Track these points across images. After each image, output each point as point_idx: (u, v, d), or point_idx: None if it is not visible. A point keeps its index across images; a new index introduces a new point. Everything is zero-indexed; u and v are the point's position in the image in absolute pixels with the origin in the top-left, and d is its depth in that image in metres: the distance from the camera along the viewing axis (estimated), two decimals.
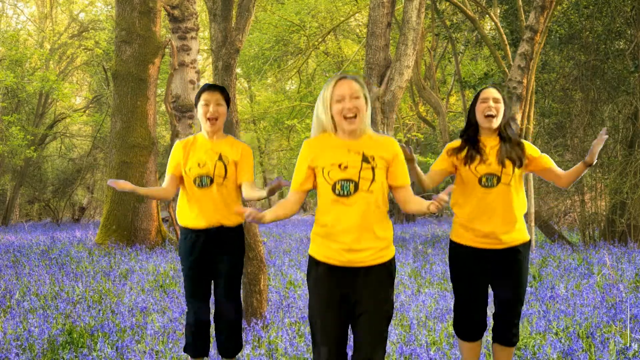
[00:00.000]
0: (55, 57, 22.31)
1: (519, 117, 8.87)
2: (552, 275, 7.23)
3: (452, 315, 5.13)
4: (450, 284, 6.70)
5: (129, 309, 5.71)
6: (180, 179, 3.47)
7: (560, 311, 5.17)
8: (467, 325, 3.32)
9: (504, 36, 10.20)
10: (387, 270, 2.71)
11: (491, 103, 3.23)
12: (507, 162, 3.20)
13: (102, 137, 22.00)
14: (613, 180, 10.62)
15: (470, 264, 3.25)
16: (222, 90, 3.46)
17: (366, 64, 4.95)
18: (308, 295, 2.83)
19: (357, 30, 19.87)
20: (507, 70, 9.86)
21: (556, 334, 4.62)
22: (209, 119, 3.37)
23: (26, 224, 21.90)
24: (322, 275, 2.69)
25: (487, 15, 11.50)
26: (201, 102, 3.39)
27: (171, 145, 14.11)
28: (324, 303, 2.69)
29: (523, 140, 3.33)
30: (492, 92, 3.27)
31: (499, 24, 10.41)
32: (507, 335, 3.30)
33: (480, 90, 3.33)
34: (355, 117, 2.66)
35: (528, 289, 6.18)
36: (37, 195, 24.04)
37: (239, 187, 3.48)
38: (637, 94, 10.78)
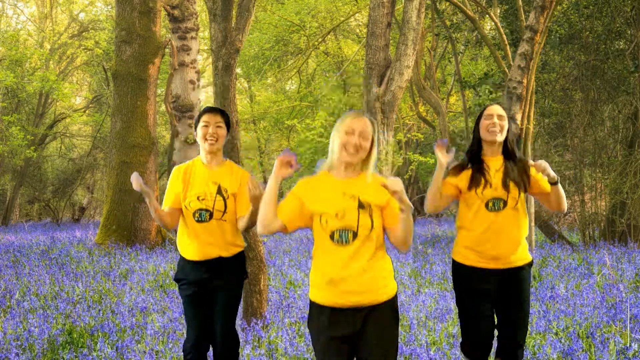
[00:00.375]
0: (55, 57, 22.31)
1: (519, 117, 8.86)
2: (552, 275, 7.24)
3: (452, 315, 5.14)
4: (450, 284, 6.70)
5: (129, 309, 5.71)
6: (180, 210, 3.40)
7: (560, 311, 5.17)
8: (474, 345, 3.29)
9: (504, 36, 10.20)
10: (391, 307, 2.69)
11: (495, 120, 3.24)
12: (512, 186, 3.21)
13: (102, 137, 22.00)
14: (613, 180, 10.62)
15: (476, 284, 3.23)
16: (222, 113, 3.41)
17: (366, 64, 4.95)
18: (311, 340, 2.78)
19: (357, 30, 19.87)
20: (507, 70, 9.86)
21: (556, 334, 4.62)
22: (207, 139, 3.32)
23: (26, 224, 21.90)
24: (326, 320, 2.66)
25: (487, 15, 11.50)
26: (201, 124, 3.33)
27: (171, 145, 14.10)
28: (329, 348, 2.66)
29: (526, 160, 3.32)
30: (496, 110, 3.28)
31: (499, 24, 10.41)
32: (511, 354, 3.27)
33: (485, 107, 3.34)
34: (356, 152, 2.67)
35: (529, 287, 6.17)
36: (37, 195, 24.04)
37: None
38: (637, 94, 10.78)
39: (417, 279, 7.40)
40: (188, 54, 13.47)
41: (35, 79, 18.32)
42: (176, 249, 11.24)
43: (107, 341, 4.54)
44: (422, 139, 20.38)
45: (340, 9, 16.75)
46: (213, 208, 3.29)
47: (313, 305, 2.73)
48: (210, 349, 3.45)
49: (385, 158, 7.11)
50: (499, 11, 11.68)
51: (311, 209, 2.70)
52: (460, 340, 3.40)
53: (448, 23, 12.78)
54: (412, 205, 2.63)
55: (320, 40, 16.34)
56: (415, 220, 22.70)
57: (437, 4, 12.48)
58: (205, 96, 30.87)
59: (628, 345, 4.17)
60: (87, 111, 24.12)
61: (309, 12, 16.15)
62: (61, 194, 24.00)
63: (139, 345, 4.49)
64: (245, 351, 4.15)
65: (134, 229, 11.51)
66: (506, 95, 9.05)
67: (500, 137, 3.24)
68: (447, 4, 12.39)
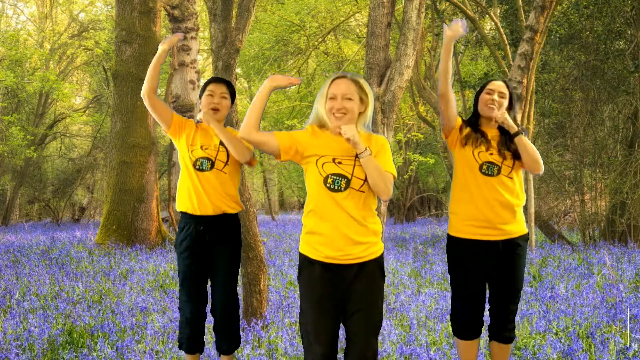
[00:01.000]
0: (55, 57, 22.31)
1: (519, 117, 8.87)
2: (552, 275, 7.24)
3: None
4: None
5: (129, 309, 5.72)
6: (168, 113, 3.51)
7: (560, 311, 5.17)
8: (465, 323, 3.30)
9: (504, 36, 10.20)
10: (378, 265, 2.75)
11: (495, 97, 3.24)
12: (507, 154, 3.21)
13: (102, 137, 22.00)
14: (613, 180, 10.63)
15: (470, 257, 3.23)
16: (228, 84, 3.49)
17: (366, 64, 4.95)
18: (299, 295, 2.83)
19: (357, 30, 19.87)
20: (507, 70, 9.86)
21: (556, 334, 4.62)
22: (212, 108, 3.38)
23: (26, 224, 21.90)
24: (317, 275, 2.70)
25: (487, 15, 11.51)
26: (206, 93, 3.44)
27: (171, 145, 14.08)
28: (318, 303, 2.70)
29: (527, 127, 3.36)
30: (499, 86, 3.28)
31: (499, 24, 10.41)
32: (504, 332, 3.30)
33: (489, 81, 3.33)
34: (343, 116, 2.71)
35: (528, 289, 6.18)
36: (37, 195, 24.04)
37: (239, 174, 3.51)
38: (637, 94, 10.78)
39: (417, 279, 7.40)
40: (188, 54, 13.48)
41: (35, 79, 18.32)
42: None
43: (107, 341, 4.54)
44: (422, 139, 20.37)
45: (340, 9, 16.75)
46: (215, 158, 3.36)
47: (304, 259, 2.76)
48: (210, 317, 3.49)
49: None
50: (499, 11, 11.68)
51: (308, 153, 2.75)
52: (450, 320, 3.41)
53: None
54: (368, 149, 2.65)
55: (320, 40, 16.33)
56: (415, 220, 22.70)
57: (437, 4, 12.48)
58: None
59: (628, 345, 4.17)
60: (87, 111, 24.12)
61: (309, 12, 16.15)
62: (61, 194, 23.99)
63: (139, 345, 4.49)
64: (245, 351, 4.15)
65: (134, 229, 11.51)
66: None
67: (496, 114, 3.25)
68: (447, 4, 12.39)
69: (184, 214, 3.43)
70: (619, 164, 10.83)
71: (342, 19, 16.35)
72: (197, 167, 3.35)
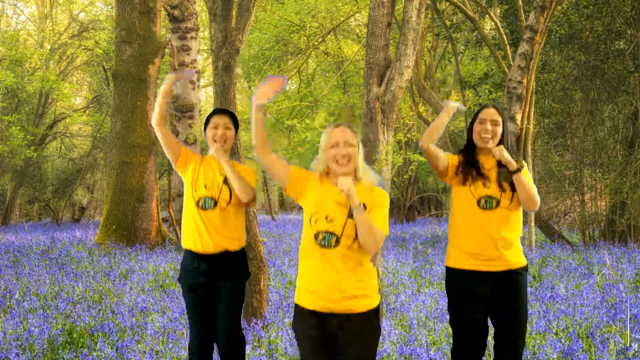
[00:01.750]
0: (55, 57, 22.30)
1: (519, 117, 8.86)
2: (552, 275, 7.23)
3: None
4: None
5: (129, 309, 5.71)
6: (175, 143, 3.49)
7: (560, 311, 5.17)
8: (466, 353, 3.18)
9: (504, 36, 10.19)
10: (369, 318, 2.73)
11: (488, 126, 3.18)
12: (506, 186, 3.17)
13: (102, 137, 21.99)
14: (613, 180, 10.62)
15: (470, 287, 3.14)
16: (231, 115, 3.48)
17: (366, 64, 4.94)
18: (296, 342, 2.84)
19: (357, 30, 19.86)
20: (507, 70, 9.86)
21: (556, 334, 4.62)
22: (216, 141, 3.38)
23: (26, 224, 21.90)
24: (310, 323, 2.73)
25: (487, 15, 11.50)
26: (210, 125, 3.42)
27: None
28: (311, 345, 2.73)
29: (523, 163, 3.27)
30: (491, 114, 3.21)
31: (499, 24, 10.40)
32: None
33: (481, 109, 3.27)
34: (348, 162, 2.76)
35: (528, 289, 6.18)
36: (37, 195, 24.03)
37: (243, 210, 3.49)
38: (637, 94, 10.78)
39: (417, 279, 7.40)
40: (188, 54, 13.47)
41: (35, 79, 18.31)
42: (176, 249, 11.25)
43: (107, 341, 4.54)
44: None
45: (340, 9, 16.74)
46: (219, 197, 3.36)
47: (297, 307, 2.81)
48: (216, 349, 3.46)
49: (385, 158, 7.10)
50: (499, 11, 11.68)
51: (306, 200, 2.82)
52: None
53: (448, 23, 12.78)
54: (362, 205, 2.66)
55: (320, 40, 16.33)
56: (415, 220, 22.70)
57: (437, 4, 12.48)
58: (205, 96, 30.88)
59: (628, 345, 4.17)
60: (87, 111, 24.11)
61: (309, 12, 16.14)
62: (61, 194, 23.99)
63: (139, 345, 4.49)
64: (245, 351, 4.14)
65: (134, 229, 11.51)
66: (506, 95, 9.05)
67: (492, 144, 3.20)
68: (447, 4, 12.39)
69: (187, 250, 3.44)
70: (619, 164, 10.83)
71: (342, 19, 16.34)
72: (201, 205, 3.35)
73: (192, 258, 3.38)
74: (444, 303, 5.62)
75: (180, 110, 13.24)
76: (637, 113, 11.10)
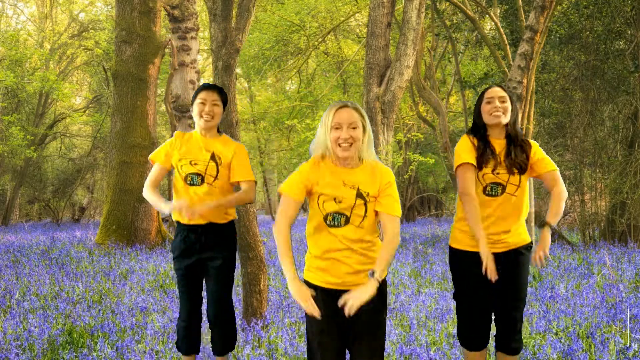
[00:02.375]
0: (55, 57, 22.30)
1: (519, 117, 8.85)
2: (552, 275, 7.23)
3: (452, 316, 5.14)
4: (450, 284, 6.70)
5: (129, 309, 5.71)
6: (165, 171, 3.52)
7: (560, 311, 5.17)
8: (473, 334, 3.27)
9: (504, 36, 10.19)
10: (378, 293, 2.72)
11: (497, 103, 3.21)
12: (515, 171, 3.19)
13: (102, 137, 22.00)
14: (613, 180, 10.63)
15: (474, 269, 3.19)
16: (220, 90, 3.48)
17: (366, 64, 4.95)
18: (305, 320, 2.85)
19: (357, 30, 19.86)
20: (507, 70, 9.86)
21: (556, 334, 4.62)
22: (203, 117, 3.39)
23: (26, 224, 21.90)
24: (319, 300, 2.72)
25: (487, 15, 11.50)
26: (198, 101, 3.42)
27: None
28: (323, 328, 2.73)
29: (532, 142, 3.27)
30: (497, 92, 3.24)
31: (499, 24, 10.40)
32: (510, 342, 3.26)
33: (485, 90, 3.29)
34: (350, 146, 2.72)
35: (528, 289, 6.18)
36: (37, 195, 24.04)
37: (232, 187, 3.51)
38: (637, 94, 10.78)
39: (417, 279, 7.40)
40: (188, 54, 13.47)
41: (35, 79, 18.31)
42: None
43: (107, 341, 4.54)
44: (422, 139, 20.37)
45: (340, 9, 16.74)
46: (205, 172, 3.40)
47: (306, 282, 2.81)
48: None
49: (385, 158, 7.11)
50: (499, 11, 11.68)
51: (314, 190, 2.77)
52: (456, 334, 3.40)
53: (448, 23, 12.78)
54: (372, 280, 2.63)
55: (320, 40, 16.33)
56: (415, 220, 22.69)
57: (437, 4, 12.48)
58: None
59: (628, 345, 4.17)
60: (87, 111, 24.12)
61: (309, 12, 16.14)
62: (61, 194, 24.00)
63: (139, 345, 4.49)
64: (245, 351, 4.15)
65: (134, 229, 11.51)
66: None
67: (505, 119, 3.23)
68: (447, 4, 12.39)
69: (177, 222, 3.51)
70: (619, 164, 10.83)
71: (342, 19, 16.34)
72: (188, 182, 3.40)
73: (181, 228, 3.46)
74: (444, 303, 5.63)
75: (180, 110, 13.24)
76: (637, 113, 11.10)
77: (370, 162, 2.80)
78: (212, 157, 3.41)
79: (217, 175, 3.40)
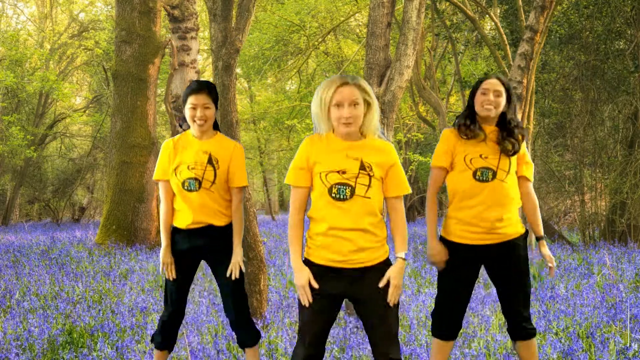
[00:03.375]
0: (55, 57, 22.30)
1: (519, 117, 8.86)
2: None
3: None
4: None
5: (129, 309, 5.71)
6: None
7: (560, 311, 5.17)
8: (447, 323, 3.31)
9: (504, 36, 10.19)
10: (384, 270, 2.75)
11: (491, 96, 3.19)
12: (503, 157, 3.18)
13: (102, 137, 21.99)
14: (613, 180, 10.63)
15: (463, 262, 3.23)
16: (209, 90, 3.38)
17: (366, 64, 4.95)
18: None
19: (357, 30, 19.86)
20: (507, 70, 9.86)
21: (556, 334, 4.62)
22: (196, 122, 3.34)
23: (26, 224, 21.90)
24: (316, 273, 2.73)
25: (487, 15, 11.50)
26: (188, 105, 3.35)
27: None
28: (314, 301, 2.73)
29: (521, 128, 3.27)
30: (494, 84, 3.20)
31: (499, 24, 10.41)
32: (522, 330, 3.27)
33: (484, 79, 3.26)
34: (351, 124, 2.69)
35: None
36: (37, 195, 24.04)
37: (229, 188, 3.46)
38: (637, 94, 10.78)
39: (417, 279, 7.40)
40: (188, 54, 13.46)
41: (35, 79, 18.31)
42: None
43: (107, 341, 4.54)
44: (422, 139, 20.37)
45: (340, 9, 16.74)
46: (202, 177, 3.33)
47: (308, 264, 2.80)
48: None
49: None
50: (499, 11, 11.68)
51: (315, 167, 2.74)
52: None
53: (448, 23, 12.78)
54: (398, 260, 2.75)
55: (320, 40, 16.33)
56: (415, 220, 22.69)
57: (437, 4, 12.48)
58: None
59: (628, 345, 4.17)
60: (87, 111, 24.11)
61: (309, 12, 16.14)
62: (61, 194, 23.99)
63: (139, 345, 4.49)
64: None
65: (134, 229, 11.51)
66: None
67: (494, 113, 3.21)
68: (447, 4, 12.39)
69: (175, 227, 3.46)
70: (619, 164, 10.83)
71: (342, 19, 16.34)
72: (186, 187, 3.34)
73: (177, 233, 3.43)
74: None
75: (180, 110, 13.22)
76: (637, 113, 11.10)
77: (371, 137, 2.77)
78: (209, 161, 3.35)
79: (214, 179, 3.34)
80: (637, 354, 4.01)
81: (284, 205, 38.87)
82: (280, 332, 4.57)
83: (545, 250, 3.30)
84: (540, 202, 12.41)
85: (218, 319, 5.23)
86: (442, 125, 11.12)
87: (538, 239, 3.33)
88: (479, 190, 3.16)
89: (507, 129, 3.22)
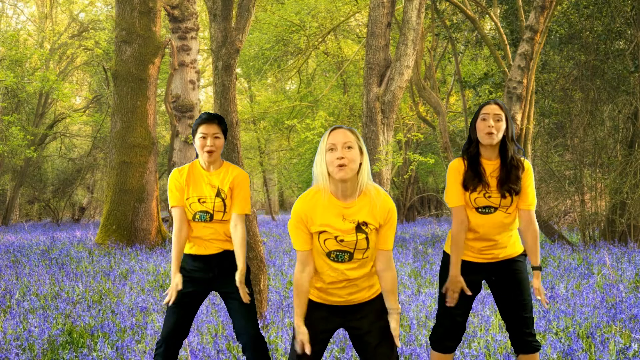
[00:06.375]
0: (55, 57, 22.30)
1: (519, 117, 8.86)
2: (552, 275, 7.23)
3: None
4: None
5: (129, 309, 5.71)
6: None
7: (560, 311, 5.17)
8: (447, 337, 3.32)
9: (504, 36, 10.19)
10: (380, 301, 2.85)
11: (491, 122, 3.18)
12: (507, 194, 3.20)
13: (102, 137, 22.00)
14: (613, 180, 10.62)
15: (464, 276, 3.26)
16: (219, 120, 3.41)
17: (366, 64, 4.95)
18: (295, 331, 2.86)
19: (357, 30, 19.86)
20: (507, 70, 9.87)
21: (556, 334, 4.62)
22: (205, 151, 3.36)
23: (26, 224, 21.90)
24: (322, 313, 2.82)
25: (487, 15, 11.50)
26: (198, 135, 3.36)
27: (171, 145, 14.07)
28: (318, 337, 2.80)
29: (526, 164, 3.25)
30: (493, 109, 3.20)
31: (499, 24, 10.41)
32: (525, 344, 3.29)
33: (482, 106, 3.26)
34: (346, 166, 2.63)
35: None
36: (37, 195, 24.04)
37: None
38: (637, 94, 10.78)
39: (417, 279, 7.40)
40: (188, 54, 13.48)
41: (35, 79, 18.30)
42: None
43: (107, 341, 4.54)
44: (422, 139, 20.37)
45: (340, 9, 16.74)
46: (213, 210, 3.36)
47: (309, 302, 2.86)
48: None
49: (385, 158, 7.11)
50: (499, 11, 11.68)
51: (312, 230, 2.74)
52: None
53: (448, 23, 12.78)
54: (393, 313, 2.83)
55: (320, 40, 16.33)
56: (415, 220, 22.70)
57: (437, 4, 12.48)
58: (205, 96, 30.89)
59: (628, 345, 4.17)
60: (87, 111, 24.11)
61: (309, 12, 16.14)
62: (61, 194, 24.00)
63: (139, 345, 4.49)
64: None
65: (134, 229, 11.51)
66: (506, 95, 9.05)
67: (497, 139, 3.20)
68: (447, 4, 12.40)
69: (185, 254, 3.43)
70: (619, 164, 10.83)
71: (342, 19, 16.35)
72: (197, 220, 3.36)
73: (189, 260, 3.40)
74: None
75: (180, 110, 13.24)
76: (637, 113, 11.10)
77: (370, 189, 2.72)
78: (218, 194, 3.37)
79: (224, 210, 3.37)
80: (637, 354, 4.01)
81: (284, 205, 38.87)
82: (280, 332, 4.57)
83: (538, 282, 3.29)
84: (540, 202, 12.36)
85: (218, 319, 5.23)
86: (442, 126, 11.13)
87: (533, 268, 3.33)
88: (481, 222, 3.24)
89: (509, 167, 3.21)
